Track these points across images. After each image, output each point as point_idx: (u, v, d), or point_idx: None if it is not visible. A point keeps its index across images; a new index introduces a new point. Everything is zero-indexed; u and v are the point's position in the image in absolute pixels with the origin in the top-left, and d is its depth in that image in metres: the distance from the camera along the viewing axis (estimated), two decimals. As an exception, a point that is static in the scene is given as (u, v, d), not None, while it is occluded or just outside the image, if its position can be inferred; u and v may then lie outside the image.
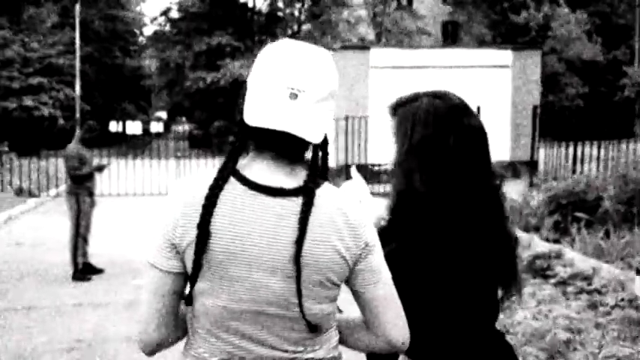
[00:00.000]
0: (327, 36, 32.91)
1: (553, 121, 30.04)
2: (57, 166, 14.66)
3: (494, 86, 19.04)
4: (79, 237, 7.13)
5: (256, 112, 1.33)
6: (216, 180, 1.33)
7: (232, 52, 34.04)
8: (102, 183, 9.76)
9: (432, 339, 1.71)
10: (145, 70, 41.82)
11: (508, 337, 4.33)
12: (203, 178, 1.35)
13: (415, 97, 1.82)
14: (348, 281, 1.41)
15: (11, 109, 30.77)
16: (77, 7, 33.74)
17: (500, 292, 1.86)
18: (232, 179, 1.34)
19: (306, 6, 37.80)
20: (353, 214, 1.37)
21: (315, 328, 1.38)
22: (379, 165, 15.10)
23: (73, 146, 7.15)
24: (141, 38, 44.85)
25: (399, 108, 1.83)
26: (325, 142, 1.42)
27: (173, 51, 36.09)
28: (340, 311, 1.53)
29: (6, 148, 17.70)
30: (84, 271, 7.17)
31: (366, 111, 17.70)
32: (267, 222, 1.32)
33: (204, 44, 33.75)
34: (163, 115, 58.65)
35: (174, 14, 39.10)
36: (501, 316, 4.63)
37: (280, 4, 38.71)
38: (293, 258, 1.30)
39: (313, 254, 1.32)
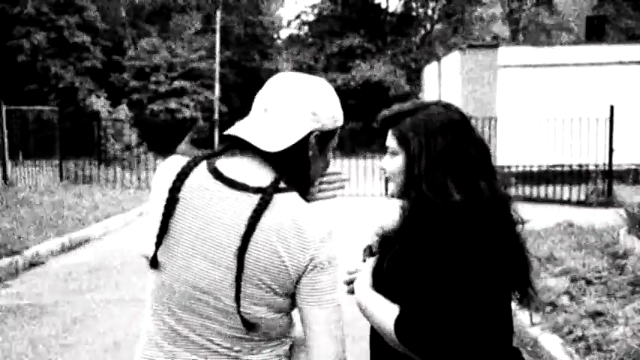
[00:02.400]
0: (459, 35, 32.14)
1: None
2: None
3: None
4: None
5: (236, 126, 1.45)
6: (188, 162, 1.43)
7: (363, 53, 34.24)
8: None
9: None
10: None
11: (598, 356, 4.01)
12: (182, 159, 1.46)
13: (422, 106, 1.77)
14: (294, 294, 1.40)
15: (158, 112, 32.98)
16: (218, 13, 35.53)
17: (515, 301, 1.80)
18: (203, 165, 1.42)
19: (439, 5, 37.22)
20: (308, 230, 1.38)
21: (250, 326, 1.37)
22: (508, 167, 14.59)
23: (183, 147, 7.48)
24: (278, 41, 46.33)
25: (405, 117, 1.76)
26: (300, 156, 1.45)
27: (306, 53, 36.98)
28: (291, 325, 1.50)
29: (145, 149, 18.91)
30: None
31: (494, 112, 17.07)
32: (220, 212, 1.37)
33: (336, 46, 34.24)
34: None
35: (309, 17, 40.03)
36: (595, 330, 4.28)
37: (414, 4, 38.41)
38: (237, 252, 1.32)
39: (255, 254, 1.33)
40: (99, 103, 18.78)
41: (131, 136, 17.84)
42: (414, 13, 38.72)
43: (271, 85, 1.48)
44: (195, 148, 7.07)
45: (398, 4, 38.74)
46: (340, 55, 34.75)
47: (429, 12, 38.24)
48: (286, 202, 1.39)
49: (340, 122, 1.54)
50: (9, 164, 13.44)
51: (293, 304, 1.42)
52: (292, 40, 41.72)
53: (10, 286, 6.94)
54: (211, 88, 34.65)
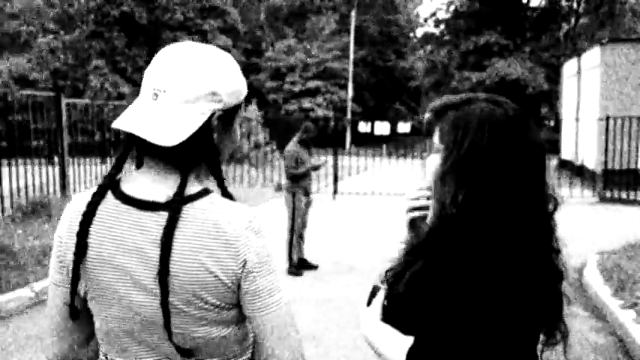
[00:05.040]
0: (606, 29, 29.98)
1: None
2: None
3: None
4: (295, 234, 7.53)
5: (122, 115, 1.26)
6: (93, 195, 1.29)
7: (500, 50, 32.97)
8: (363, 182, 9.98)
9: None
10: (415, 72, 42.76)
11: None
12: (89, 193, 1.32)
13: (469, 100, 1.56)
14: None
15: (292, 111, 33.89)
16: (353, 13, 35.82)
17: (541, 337, 1.57)
18: (110, 194, 1.29)
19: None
20: (233, 230, 1.24)
21: (187, 353, 1.27)
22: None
23: (292, 147, 7.56)
24: (414, 40, 45.89)
25: (449, 111, 1.56)
26: (206, 143, 1.29)
27: (440, 51, 36.29)
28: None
29: (273, 147, 19.46)
30: (299, 266, 7.54)
31: (638, 111, 15.73)
32: (135, 237, 1.25)
33: (472, 43, 33.26)
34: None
35: (444, 15, 39.25)
36: None
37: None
38: (157, 278, 1.22)
39: (179, 272, 1.22)
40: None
41: (258, 135, 18.42)
42: (557, 7, 36.69)
43: (161, 61, 1.27)
44: (304, 148, 7.09)
45: (541, -2, 36.92)
46: (475, 52, 33.69)
47: (574, 5, 36.04)
48: (201, 209, 1.25)
49: (244, 95, 1.35)
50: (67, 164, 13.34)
51: (242, 315, 1.31)
52: (427, 38, 41.11)
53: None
54: (344, 87, 35.02)
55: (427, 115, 1.65)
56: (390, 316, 1.58)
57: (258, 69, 36.72)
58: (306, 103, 34.00)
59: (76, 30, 34.52)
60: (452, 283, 1.42)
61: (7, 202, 9.30)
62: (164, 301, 1.22)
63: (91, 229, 1.27)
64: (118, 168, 1.31)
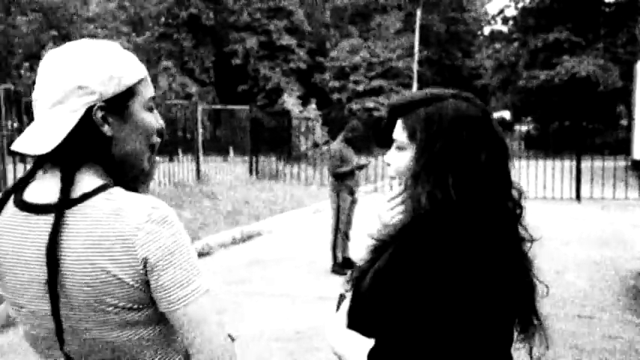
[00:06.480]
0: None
1: None
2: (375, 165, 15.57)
3: None
4: (339, 232, 7.48)
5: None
6: None
7: (570, 47, 31.83)
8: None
9: None
10: (482, 71, 41.93)
11: None
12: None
13: (437, 97, 1.53)
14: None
15: (356, 110, 33.81)
16: (419, 12, 35.42)
17: (515, 333, 1.54)
18: (10, 202, 1.25)
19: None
20: (129, 225, 1.17)
21: None
22: None
23: (336, 145, 7.51)
24: (480, 38, 44.98)
25: (415, 107, 1.54)
26: (91, 139, 1.23)
27: (507, 49, 35.41)
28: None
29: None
30: (343, 265, 7.48)
31: None
32: (31, 244, 1.20)
33: (541, 41, 32.27)
34: (507, 115, 57.93)
35: (512, 12, 38.30)
36: None
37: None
38: (45, 286, 1.17)
39: (76, 276, 1.17)
40: (290, 102, 19.73)
41: (315, 133, 18.46)
42: (637, 1, 35.06)
43: (38, 72, 1.25)
44: (349, 147, 7.04)
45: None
46: (545, 50, 32.67)
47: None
48: (94, 206, 1.18)
49: (130, 78, 1.26)
50: (202, 160, 14.62)
51: (160, 314, 1.24)
52: (494, 36, 40.18)
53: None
54: (409, 86, 34.68)
55: (387, 110, 1.62)
56: (353, 316, 1.53)
57: (323, 68, 36.84)
58: (370, 103, 33.85)
59: (146, 32, 35.62)
60: (418, 279, 1.36)
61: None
62: (55, 307, 1.17)
63: None
64: (28, 176, 1.28)
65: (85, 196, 1.20)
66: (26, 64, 20.23)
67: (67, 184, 1.20)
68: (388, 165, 1.59)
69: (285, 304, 6.12)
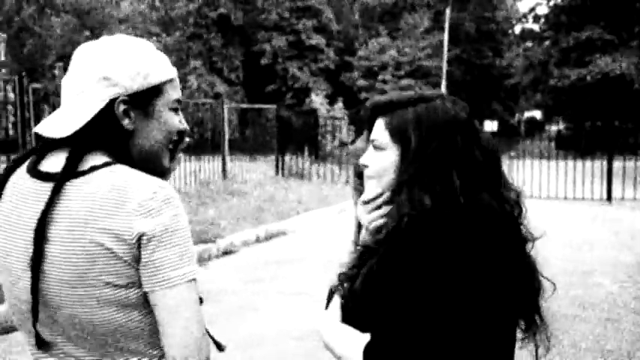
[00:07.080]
0: None
1: None
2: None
3: None
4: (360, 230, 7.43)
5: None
6: (6, 168, 1.31)
7: (603, 46, 31.24)
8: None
9: None
10: (512, 69, 41.44)
11: None
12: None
13: (423, 98, 1.50)
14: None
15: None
16: (448, 11, 35.13)
17: (520, 333, 1.52)
18: (23, 167, 1.30)
19: None
20: (131, 198, 1.17)
21: (43, 344, 1.24)
22: None
23: (358, 144, 7.46)
24: (511, 37, 44.44)
25: (398, 108, 1.50)
26: (109, 129, 1.27)
27: (538, 48, 34.93)
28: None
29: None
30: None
31: None
32: (30, 207, 1.23)
33: (573, 39, 31.75)
34: (537, 114, 57.20)
35: (544, 10, 37.79)
36: None
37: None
38: (31, 256, 1.18)
39: (63, 243, 1.18)
40: (317, 101, 19.73)
41: (341, 132, 18.42)
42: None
43: (71, 62, 1.32)
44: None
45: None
46: (577, 48, 32.12)
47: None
48: (97, 178, 1.20)
49: (157, 76, 1.30)
50: (228, 158, 14.70)
51: (145, 299, 1.22)
52: (525, 34, 39.66)
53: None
54: (437, 85, 34.41)
55: (366, 110, 1.58)
56: (348, 315, 1.51)
57: (351, 67, 36.77)
58: (397, 102, 33.73)
59: (176, 32, 35.94)
60: (412, 275, 1.33)
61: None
62: (34, 285, 1.18)
63: (2, 199, 1.29)
64: (39, 150, 1.32)
65: (93, 169, 1.22)
66: (59, 64, 20.62)
67: (75, 156, 1.23)
68: (365, 167, 1.54)
69: (306, 303, 6.09)
